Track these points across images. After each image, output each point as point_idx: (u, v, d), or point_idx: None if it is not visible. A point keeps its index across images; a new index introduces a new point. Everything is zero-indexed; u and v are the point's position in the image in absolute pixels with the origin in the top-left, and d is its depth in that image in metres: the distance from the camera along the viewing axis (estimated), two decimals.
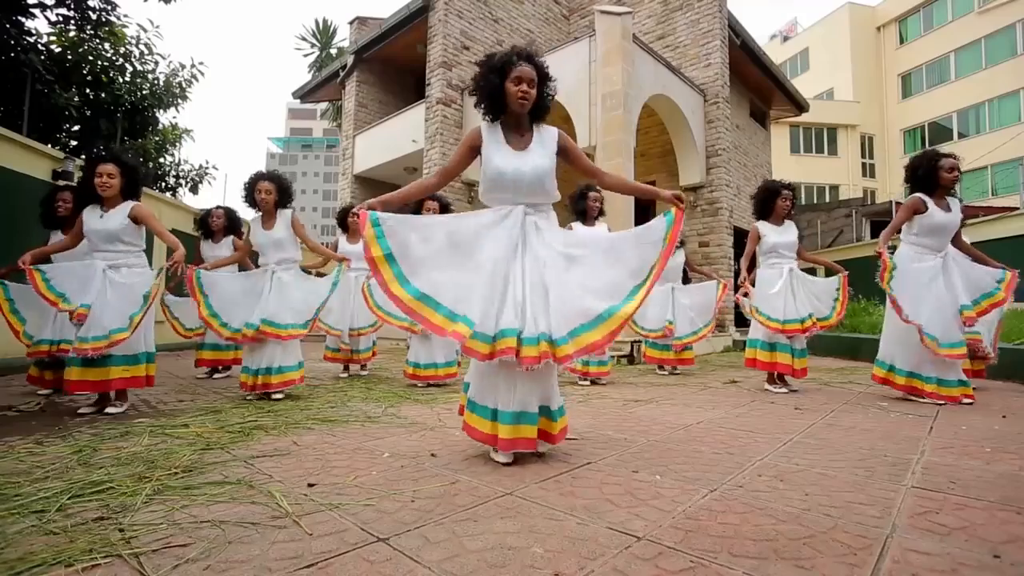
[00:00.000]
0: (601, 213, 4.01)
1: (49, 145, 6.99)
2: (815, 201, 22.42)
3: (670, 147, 9.34)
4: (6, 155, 5.08)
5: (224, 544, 1.18)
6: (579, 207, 3.89)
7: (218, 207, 4.74)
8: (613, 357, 4.37)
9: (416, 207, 3.92)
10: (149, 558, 1.11)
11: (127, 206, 2.94)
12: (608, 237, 2.13)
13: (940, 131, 22.73)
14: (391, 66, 11.64)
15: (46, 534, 1.22)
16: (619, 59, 6.98)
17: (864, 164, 24.72)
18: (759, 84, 11.70)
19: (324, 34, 22.97)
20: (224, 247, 4.60)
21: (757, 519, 1.34)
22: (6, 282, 3.37)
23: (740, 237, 10.74)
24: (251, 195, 3.41)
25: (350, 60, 11.39)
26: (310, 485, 1.59)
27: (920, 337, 3.15)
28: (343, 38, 22.30)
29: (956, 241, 3.48)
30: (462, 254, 1.95)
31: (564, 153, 2.07)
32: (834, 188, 23.80)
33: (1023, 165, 15.10)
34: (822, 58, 26.39)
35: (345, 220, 4.85)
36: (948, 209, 3.30)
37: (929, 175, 3.30)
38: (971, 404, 3.14)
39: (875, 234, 16.15)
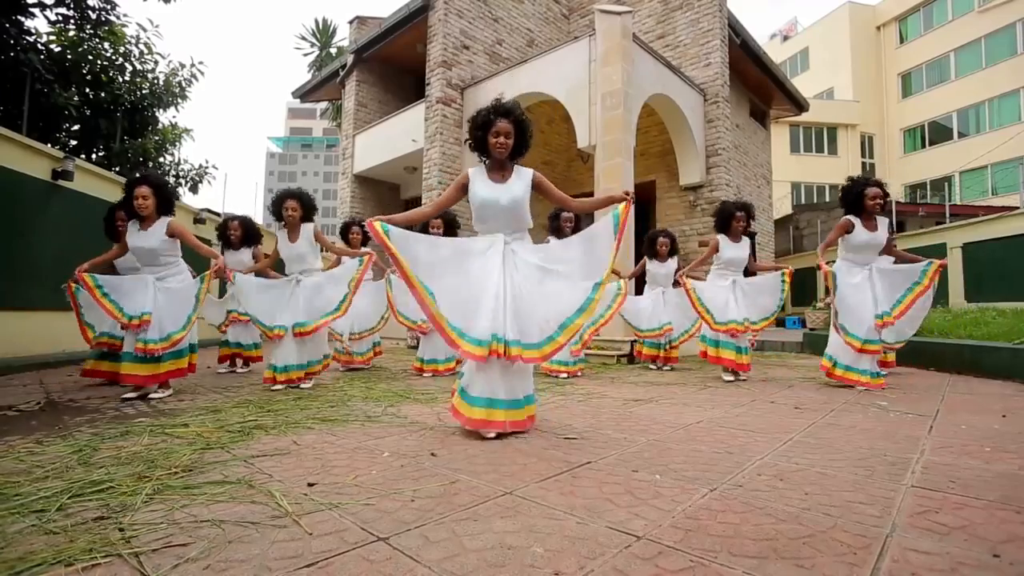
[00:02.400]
0: (575, 232, 4.35)
1: (49, 144, 6.99)
2: (815, 201, 22.41)
3: (670, 146, 9.33)
4: (6, 155, 5.08)
5: (224, 543, 1.18)
6: (554, 226, 4.59)
7: (234, 218, 4.98)
8: (587, 358, 4.96)
9: (423, 227, 4.44)
10: (149, 557, 1.11)
11: (163, 222, 3.35)
12: (570, 245, 2.57)
13: (940, 130, 22.72)
14: (391, 66, 11.62)
15: (46, 533, 1.22)
16: (619, 58, 6.98)
17: (864, 164, 24.70)
18: (759, 83, 11.70)
19: (324, 33, 22.92)
20: (245, 254, 4.87)
21: (757, 518, 1.34)
22: (80, 288, 3.68)
23: None
24: (278, 211, 3.81)
25: (350, 60, 11.38)
26: (310, 484, 1.59)
27: (850, 342, 3.78)
28: (343, 37, 22.27)
29: (890, 251, 4.20)
30: (455, 270, 2.39)
31: (538, 188, 2.52)
32: (834, 188, 23.75)
33: (1023, 164, 15.09)
34: (822, 57, 26.36)
35: (347, 234, 5.15)
36: (875, 228, 3.88)
37: (856, 200, 3.89)
38: (882, 389, 3.72)
39: None
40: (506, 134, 2.44)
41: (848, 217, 3.91)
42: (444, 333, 2.29)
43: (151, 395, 3.28)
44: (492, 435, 2.23)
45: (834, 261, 4.09)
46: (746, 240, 4.47)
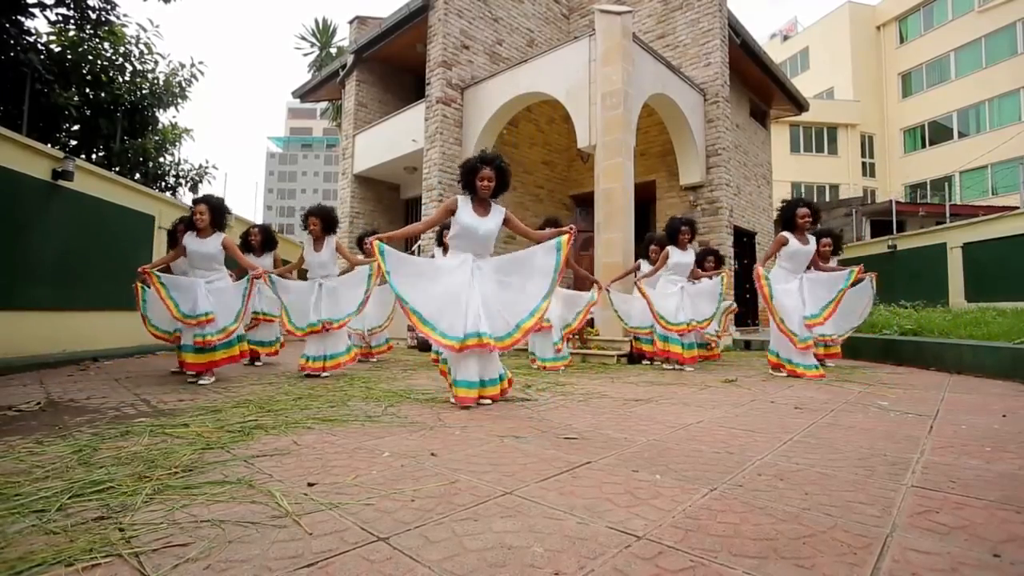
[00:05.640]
0: None
1: (49, 144, 6.99)
2: (815, 200, 22.37)
3: (670, 146, 9.32)
4: (6, 155, 5.07)
5: (224, 543, 1.18)
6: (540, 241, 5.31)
7: (255, 227, 5.62)
8: (569, 355, 5.56)
9: (438, 238, 5.63)
10: (149, 557, 1.11)
11: (218, 236, 4.09)
12: (521, 257, 3.25)
13: (940, 130, 22.72)
14: (391, 65, 11.62)
15: (46, 533, 1.22)
16: (619, 58, 6.98)
17: (864, 163, 24.70)
18: (759, 83, 11.68)
19: (324, 33, 22.88)
20: (266, 259, 5.48)
21: (757, 518, 1.34)
22: (146, 288, 4.38)
23: (740, 236, 10.75)
24: (305, 225, 4.54)
25: (350, 59, 11.37)
26: (310, 484, 1.59)
27: (790, 338, 4.47)
28: (343, 37, 22.24)
29: (816, 264, 4.90)
30: (432, 282, 3.09)
31: (507, 223, 3.32)
32: (834, 187, 23.79)
33: (1023, 164, 15.08)
34: (822, 57, 26.36)
35: (362, 244, 5.91)
36: (806, 242, 4.70)
37: (790, 218, 4.70)
38: (822, 379, 4.32)
39: (875, 234, 16.16)
40: (489, 179, 3.17)
41: (783, 233, 4.74)
42: (422, 330, 2.95)
43: (200, 381, 3.92)
44: (485, 402, 3.03)
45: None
46: (691, 249, 5.45)
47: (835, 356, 5.51)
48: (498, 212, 3.27)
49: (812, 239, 4.76)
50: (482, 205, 3.23)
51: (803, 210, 4.62)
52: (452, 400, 3.05)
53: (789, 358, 4.55)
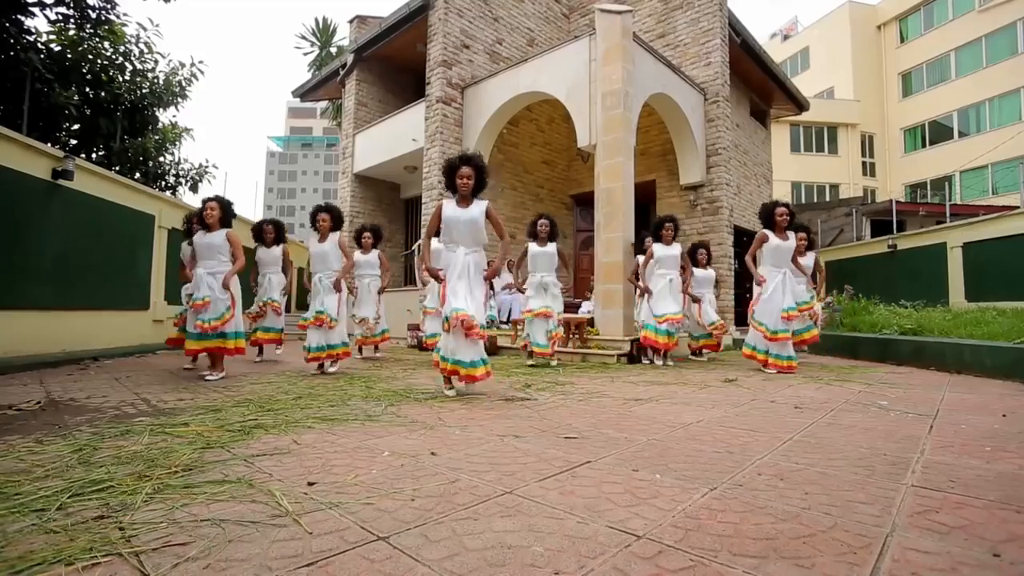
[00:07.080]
0: (551, 238, 5.60)
1: (49, 144, 6.97)
2: (815, 200, 22.40)
3: (670, 146, 9.31)
4: (6, 155, 5.07)
5: (224, 543, 1.18)
6: (530, 231, 5.71)
7: (267, 222, 6.15)
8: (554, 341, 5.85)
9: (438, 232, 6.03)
10: (149, 556, 1.11)
11: (223, 231, 4.40)
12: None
13: (940, 130, 22.68)
14: (391, 65, 11.61)
15: (46, 533, 1.23)
16: (619, 58, 6.97)
17: (864, 163, 24.68)
18: (759, 83, 11.67)
19: (324, 33, 22.83)
20: (275, 250, 6.03)
21: (757, 518, 1.34)
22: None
23: (740, 236, 10.74)
24: (314, 222, 4.94)
25: (350, 59, 11.36)
26: (310, 484, 1.59)
27: (760, 330, 4.97)
28: (343, 37, 22.19)
29: (795, 261, 5.28)
30: (449, 273, 3.51)
31: (487, 215, 3.56)
32: (834, 187, 23.76)
33: (1023, 164, 15.08)
34: (822, 57, 26.33)
35: (360, 238, 6.49)
36: (785, 238, 5.11)
37: (769, 218, 5.13)
38: (792, 372, 4.80)
39: (875, 233, 16.13)
40: (468, 176, 3.49)
41: (764, 231, 5.13)
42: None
43: (207, 377, 4.15)
44: (458, 384, 3.53)
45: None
46: (677, 244, 5.84)
47: (812, 340, 6.08)
48: (479, 204, 3.56)
49: (792, 235, 5.17)
50: (465, 200, 3.55)
51: (780, 209, 5.11)
52: (452, 382, 3.50)
53: (762, 348, 5.02)
